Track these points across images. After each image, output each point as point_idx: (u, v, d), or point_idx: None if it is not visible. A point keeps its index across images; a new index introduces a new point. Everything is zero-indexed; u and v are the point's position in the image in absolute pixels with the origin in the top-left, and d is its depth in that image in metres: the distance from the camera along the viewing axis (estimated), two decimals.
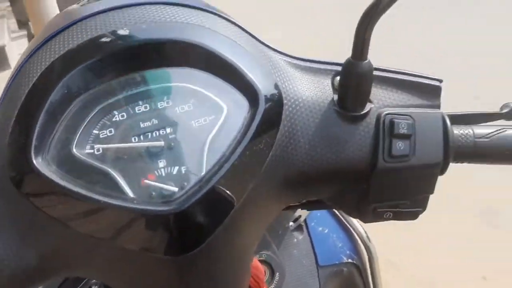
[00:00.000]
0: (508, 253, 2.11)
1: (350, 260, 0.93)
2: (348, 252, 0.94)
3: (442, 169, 0.49)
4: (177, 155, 0.44)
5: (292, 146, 0.47)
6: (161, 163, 0.43)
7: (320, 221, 0.95)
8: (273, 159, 0.46)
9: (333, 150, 0.48)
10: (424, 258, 2.17)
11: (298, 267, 0.88)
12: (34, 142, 0.42)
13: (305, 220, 0.93)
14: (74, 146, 0.43)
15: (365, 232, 0.98)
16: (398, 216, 0.51)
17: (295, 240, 0.91)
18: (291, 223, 0.91)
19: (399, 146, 0.47)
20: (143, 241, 0.42)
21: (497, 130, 0.51)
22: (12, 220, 0.44)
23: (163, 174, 0.43)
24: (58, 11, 1.75)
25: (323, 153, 0.48)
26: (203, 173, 0.43)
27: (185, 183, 0.43)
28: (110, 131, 0.44)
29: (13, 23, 4.25)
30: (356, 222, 0.98)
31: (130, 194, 0.42)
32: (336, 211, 0.97)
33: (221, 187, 0.42)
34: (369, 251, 0.98)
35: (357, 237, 0.97)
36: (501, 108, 0.56)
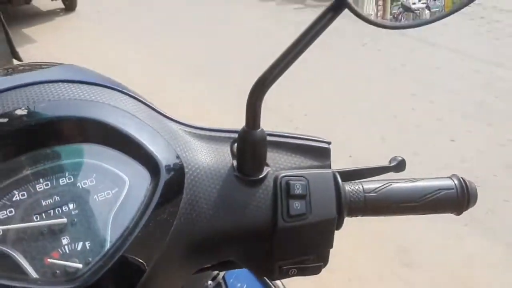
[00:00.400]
0: None
1: None
2: None
3: (338, 224, 0.53)
4: (81, 231, 0.44)
5: (196, 213, 0.49)
6: (65, 240, 0.44)
7: (239, 277, 0.96)
8: (177, 228, 0.47)
9: (235, 214, 0.50)
10: None
11: None
12: None
13: (223, 278, 0.93)
14: None
15: (283, 285, 0.99)
16: (302, 272, 0.54)
17: None
18: (210, 282, 0.91)
19: (296, 206, 0.51)
20: None
21: (384, 185, 0.55)
22: None
23: (67, 251, 0.43)
24: None
25: (226, 217, 0.50)
26: (107, 247, 0.44)
27: (90, 259, 0.43)
28: (10, 211, 0.44)
29: None
30: None
31: (33, 274, 0.42)
32: None
33: (126, 260, 0.43)
34: None
35: None
36: (390, 162, 0.61)
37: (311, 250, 0.53)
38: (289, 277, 0.54)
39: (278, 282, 0.99)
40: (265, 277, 0.98)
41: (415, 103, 3.73)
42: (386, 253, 2.35)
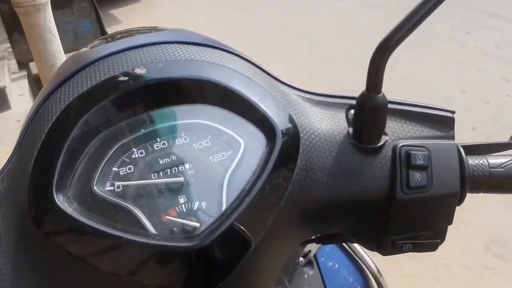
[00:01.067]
0: None
1: None
2: (359, 287, 0.92)
3: (460, 200, 0.50)
4: (197, 191, 0.44)
5: (310, 179, 0.47)
6: (181, 199, 0.44)
7: (330, 256, 0.94)
8: (291, 193, 0.46)
9: (351, 183, 0.48)
10: None
11: None
12: (55, 181, 0.42)
13: (314, 255, 0.92)
14: (94, 183, 0.43)
15: (376, 266, 0.97)
16: (417, 248, 0.51)
17: (306, 276, 0.89)
18: (301, 259, 0.90)
19: (417, 177, 0.48)
20: (165, 278, 0.42)
21: (511, 160, 0.51)
22: (36, 262, 0.43)
23: (184, 210, 0.43)
24: (62, 52, 1.78)
25: (341, 186, 0.48)
26: (224, 208, 0.43)
27: (206, 219, 0.43)
28: (130, 168, 0.44)
29: (13, 64, 4.29)
30: (366, 256, 0.97)
31: (152, 230, 0.42)
32: (345, 245, 0.96)
33: (242, 221, 0.42)
34: (380, 286, 0.97)
35: (367, 271, 0.96)
36: (511, 138, 0.56)
37: (429, 225, 0.50)
38: (402, 252, 0.51)
39: (371, 264, 0.96)
40: (358, 258, 0.96)
41: None
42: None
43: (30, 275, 0.43)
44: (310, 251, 0.90)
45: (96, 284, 0.43)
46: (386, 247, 0.51)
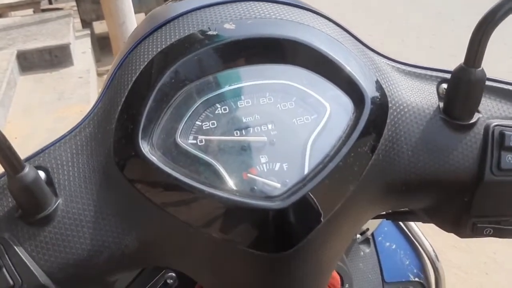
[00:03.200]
0: None
1: (417, 279, 0.90)
2: (415, 270, 0.90)
3: None
4: (279, 152, 0.43)
5: (395, 151, 0.46)
6: (263, 159, 0.43)
7: (388, 236, 0.92)
8: (374, 164, 0.44)
9: (437, 159, 0.46)
10: None
11: (364, 281, 0.86)
12: (141, 128, 0.42)
13: (372, 234, 0.90)
14: (178, 135, 0.43)
15: (434, 251, 0.94)
16: (499, 233, 0.48)
17: (362, 253, 0.88)
18: (358, 236, 0.88)
19: (509, 159, 0.45)
20: (241, 235, 0.41)
21: None
22: (116, 205, 0.44)
23: (265, 170, 0.42)
24: (132, 11, 1.80)
25: (426, 161, 0.46)
26: (306, 172, 0.42)
27: (287, 180, 0.42)
28: (213, 123, 0.44)
29: (77, 22, 4.40)
30: (425, 240, 0.94)
31: (233, 186, 0.42)
32: (404, 227, 0.94)
33: (323, 187, 0.41)
34: (437, 271, 0.94)
35: (425, 255, 0.94)
36: None
37: None
38: (483, 236, 0.49)
39: (429, 248, 0.94)
40: (416, 241, 0.94)
41: None
42: None
43: (109, 217, 0.44)
44: (368, 229, 0.89)
45: (171, 232, 0.43)
46: (465, 230, 0.49)
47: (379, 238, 0.91)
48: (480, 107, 0.47)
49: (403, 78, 0.49)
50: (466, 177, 0.46)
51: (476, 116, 0.47)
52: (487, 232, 0.49)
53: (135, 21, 1.84)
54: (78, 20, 4.45)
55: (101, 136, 0.45)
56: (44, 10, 4.49)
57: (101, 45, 4.40)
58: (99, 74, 4.07)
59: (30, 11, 4.43)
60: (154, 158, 0.41)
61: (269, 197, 0.41)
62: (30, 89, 3.09)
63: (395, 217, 0.58)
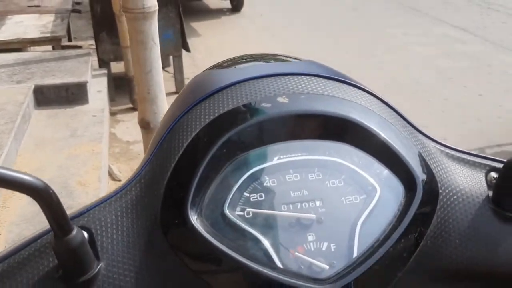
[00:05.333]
0: None
1: None
2: None
3: None
4: (327, 231, 0.43)
5: (443, 239, 0.45)
6: (310, 237, 0.42)
7: None
8: (422, 250, 0.44)
9: (485, 249, 0.45)
10: None
11: None
12: (191, 197, 0.42)
13: None
14: (226, 206, 0.43)
15: None
16: None
17: None
18: None
19: None
20: None
21: None
22: (154, 271, 0.43)
23: (312, 249, 0.42)
24: (160, 59, 1.83)
25: (474, 251, 0.45)
26: (355, 255, 0.41)
27: (335, 262, 0.41)
28: (261, 196, 0.44)
29: (94, 60, 4.47)
30: None
31: (279, 264, 0.41)
32: None
33: (371, 272, 0.41)
34: None
35: None
36: None
37: None
38: None
39: None
40: None
41: None
42: None
43: (147, 283, 0.43)
44: None
45: None
46: None
47: None
48: None
49: (452, 164, 0.49)
50: None
51: None
52: None
53: (161, 71, 1.87)
54: (95, 58, 4.53)
55: (148, 200, 0.45)
56: (63, 47, 4.58)
57: (116, 84, 4.46)
58: (112, 113, 4.10)
59: (49, 47, 4.52)
60: (201, 229, 0.41)
61: (316, 280, 0.40)
62: (44, 124, 3.11)
63: None
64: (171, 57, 4.53)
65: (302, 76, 0.50)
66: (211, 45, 5.79)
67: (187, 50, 4.50)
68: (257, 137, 0.45)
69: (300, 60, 0.57)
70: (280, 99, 0.46)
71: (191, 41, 5.58)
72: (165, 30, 4.40)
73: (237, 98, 0.47)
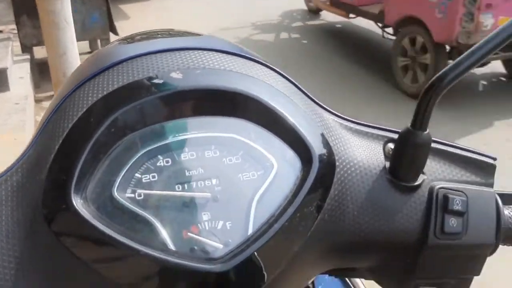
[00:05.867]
0: None
1: None
2: None
3: (492, 251, 0.47)
4: (223, 209, 0.41)
5: (340, 211, 0.45)
6: (205, 216, 0.41)
7: (328, 285, 0.91)
8: (320, 224, 0.43)
9: (382, 220, 0.46)
10: None
11: None
12: (74, 180, 0.39)
13: (312, 282, 0.89)
14: (115, 188, 0.40)
15: None
16: None
17: None
18: None
19: (452, 223, 0.45)
20: None
21: None
22: (38, 262, 0.40)
23: (207, 228, 0.40)
24: (75, 42, 1.75)
25: (371, 222, 0.46)
26: (250, 232, 0.40)
27: (230, 240, 0.40)
28: (153, 176, 0.42)
29: (16, 46, 4.25)
30: None
31: (171, 246, 0.39)
32: (348, 280, 0.94)
33: (267, 249, 0.40)
34: None
35: None
36: None
37: (455, 274, 0.48)
38: None
39: None
40: None
41: None
42: None
43: (31, 275, 0.40)
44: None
45: None
46: None
47: (320, 287, 0.89)
48: (425, 169, 0.47)
49: (351, 136, 0.49)
50: (410, 239, 0.46)
51: (421, 178, 0.47)
52: None
53: (78, 53, 1.78)
54: (17, 44, 4.31)
55: (29, 186, 0.42)
56: None
57: (41, 70, 4.27)
58: (37, 101, 3.92)
59: None
60: (87, 214, 0.38)
61: (210, 259, 0.39)
62: None
63: (339, 273, 0.57)
64: (99, 41, 4.38)
65: (199, 51, 0.48)
66: (140, 27, 5.64)
67: (115, 33, 4.36)
68: (148, 115, 0.43)
69: (201, 35, 0.55)
70: (174, 74, 0.44)
71: (119, 24, 5.41)
72: (91, 12, 4.24)
73: (127, 75, 0.44)
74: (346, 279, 0.95)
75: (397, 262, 0.47)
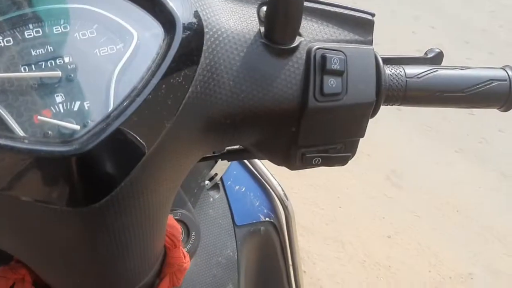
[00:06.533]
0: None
1: (267, 219, 0.90)
2: (265, 211, 0.91)
3: (374, 111, 0.47)
4: (78, 89, 0.37)
5: (215, 82, 0.42)
6: (58, 98, 0.36)
7: (237, 179, 0.91)
8: (193, 96, 0.40)
9: (260, 88, 0.43)
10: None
11: (215, 227, 0.84)
12: None
13: (221, 179, 0.88)
14: None
15: (283, 190, 0.95)
16: (327, 162, 0.48)
17: (211, 199, 0.86)
18: (207, 182, 0.86)
19: (331, 83, 0.44)
20: (39, 190, 0.35)
21: (428, 70, 0.49)
22: None
23: (61, 111, 0.36)
24: None
25: (249, 91, 0.43)
26: (110, 109, 0.36)
27: (89, 121, 0.36)
28: None
29: None
30: (273, 180, 0.95)
31: (20, 132, 0.35)
32: (253, 168, 0.94)
33: (132, 125, 0.36)
34: (286, 209, 0.96)
35: (274, 195, 0.95)
36: (426, 53, 0.54)
37: (340, 138, 0.47)
38: (312, 167, 0.48)
39: (278, 188, 0.95)
40: (265, 181, 0.94)
41: None
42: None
43: None
44: (216, 174, 0.87)
45: None
46: (295, 161, 0.47)
47: (228, 182, 0.89)
48: (302, 30, 0.45)
49: (222, 2, 0.45)
50: (291, 105, 0.44)
51: (298, 40, 0.44)
52: (316, 162, 0.47)
53: None
54: None
55: None
56: None
57: None
58: None
59: None
60: None
61: (66, 142, 0.35)
62: None
63: (229, 156, 0.56)
64: None
65: None
66: None
67: None
68: None
69: None
70: None
71: None
72: None
73: None
74: (256, 173, 0.95)
75: (281, 133, 0.46)
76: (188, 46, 0.40)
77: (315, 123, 0.45)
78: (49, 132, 0.35)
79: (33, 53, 0.37)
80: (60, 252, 0.41)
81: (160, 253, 0.54)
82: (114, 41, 0.39)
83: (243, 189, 0.91)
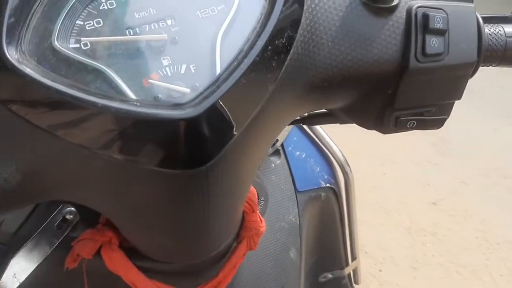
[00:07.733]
0: None
1: (328, 185, 0.90)
2: (326, 176, 0.90)
3: (473, 71, 0.45)
4: (184, 51, 0.36)
5: (314, 43, 0.41)
6: (165, 61, 0.36)
7: (298, 145, 0.90)
8: (293, 58, 0.39)
9: (359, 48, 0.42)
10: None
11: (277, 193, 0.84)
12: (4, 32, 0.33)
13: (282, 145, 0.88)
14: (55, 38, 0.34)
15: (343, 156, 0.94)
16: (422, 125, 0.46)
17: (273, 165, 0.86)
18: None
19: (434, 43, 0.42)
20: (148, 153, 0.35)
21: None
22: None
23: (169, 74, 0.36)
24: None
25: (348, 52, 0.42)
26: (218, 72, 0.36)
27: (197, 84, 0.35)
28: (98, 22, 0.36)
29: None
30: (334, 145, 0.94)
31: (132, 95, 0.34)
32: (313, 135, 0.93)
33: (240, 88, 0.35)
34: (347, 175, 0.95)
35: (334, 161, 0.94)
36: None
37: (438, 99, 0.46)
38: (406, 130, 0.47)
39: (339, 154, 0.94)
40: (326, 148, 0.93)
41: None
42: None
43: None
44: (277, 140, 0.86)
45: (61, 158, 0.36)
46: (388, 125, 0.46)
47: (289, 148, 0.88)
48: None
49: None
50: (391, 66, 0.43)
51: None
52: (411, 125, 0.46)
53: None
54: None
55: None
56: None
57: None
58: None
59: None
60: (27, 69, 0.33)
61: (177, 105, 0.35)
62: None
63: (312, 121, 0.55)
64: None
65: None
66: None
67: None
68: None
69: None
70: None
71: None
72: None
73: None
74: (317, 140, 0.94)
75: (377, 95, 0.45)
76: (291, 6, 0.38)
77: (414, 85, 0.43)
78: (159, 96, 0.35)
79: (136, 16, 0.37)
80: (154, 214, 0.42)
81: (240, 217, 0.54)
82: (215, 2, 0.38)
83: (304, 155, 0.90)
